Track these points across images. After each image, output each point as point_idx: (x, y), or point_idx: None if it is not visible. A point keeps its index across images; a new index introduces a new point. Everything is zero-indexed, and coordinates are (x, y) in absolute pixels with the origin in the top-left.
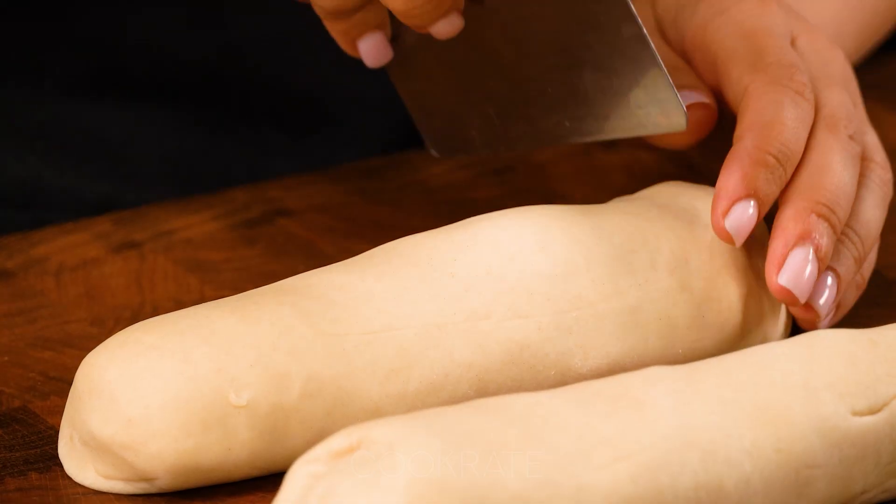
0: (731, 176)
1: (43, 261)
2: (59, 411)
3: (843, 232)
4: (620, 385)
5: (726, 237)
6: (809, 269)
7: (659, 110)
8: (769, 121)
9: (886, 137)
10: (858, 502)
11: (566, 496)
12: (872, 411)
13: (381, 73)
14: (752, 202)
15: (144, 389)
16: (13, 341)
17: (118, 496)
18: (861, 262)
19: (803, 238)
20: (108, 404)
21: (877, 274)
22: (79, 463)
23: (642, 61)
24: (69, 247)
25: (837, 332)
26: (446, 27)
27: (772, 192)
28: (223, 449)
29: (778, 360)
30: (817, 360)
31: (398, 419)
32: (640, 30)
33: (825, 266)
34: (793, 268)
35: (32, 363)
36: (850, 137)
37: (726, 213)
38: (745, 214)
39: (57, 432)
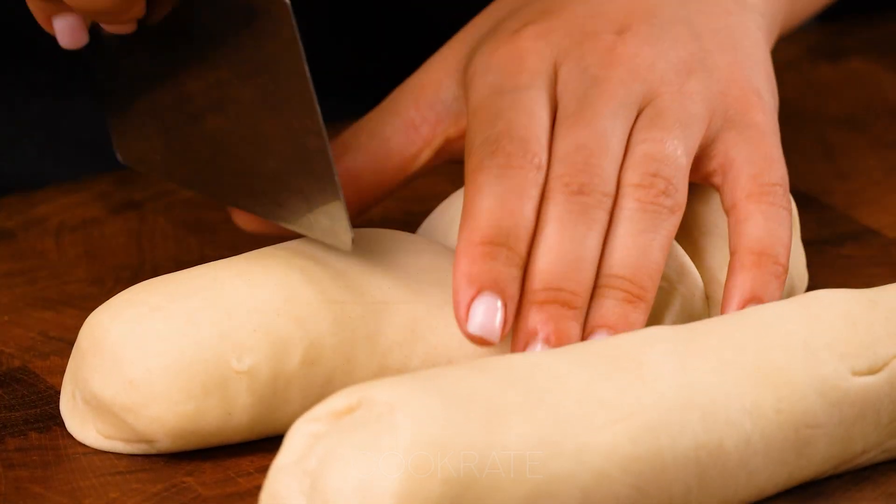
0: (457, 270)
1: (43, 221)
2: (59, 371)
3: (600, 284)
4: (621, 346)
5: (478, 340)
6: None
7: (328, 223)
8: (472, 210)
9: (885, 97)
10: (858, 462)
11: (566, 456)
12: (872, 371)
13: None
14: (496, 299)
15: (147, 352)
16: (13, 301)
17: (118, 455)
18: (640, 300)
19: (531, 336)
20: (110, 365)
21: (876, 234)
22: (80, 421)
23: (321, 176)
24: (69, 207)
25: (837, 292)
26: (119, 28)
27: (510, 279)
28: (223, 413)
29: (778, 320)
30: (817, 321)
31: (399, 379)
32: (325, 146)
33: (564, 337)
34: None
35: (32, 323)
36: (579, 191)
37: (467, 315)
38: (491, 310)
39: (57, 392)
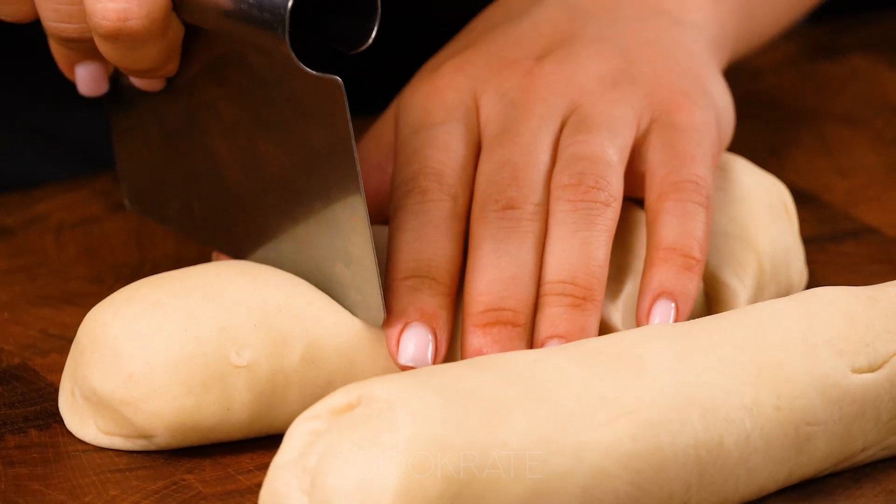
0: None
1: (43, 218)
2: (59, 368)
3: (542, 294)
4: (620, 343)
5: (403, 367)
6: None
7: (360, 297)
8: (393, 248)
9: (885, 95)
10: (858, 459)
11: (566, 453)
12: (872, 368)
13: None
14: (426, 329)
15: (147, 346)
16: (13, 299)
17: (118, 452)
18: (586, 301)
19: (477, 353)
20: (110, 360)
21: (876, 231)
22: (80, 418)
23: (358, 250)
24: (69, 204)
25: (837, 289)
26: (147, 84)
27: (437, 308)
28: (222, 409)
29: (777, 317)
30: (817, 318)
31: (398, 377)
32: (365, 218)
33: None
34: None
35: (32, 320)
36: (508, 206)
37: (398, 348)
38: (422, 341)
39: (56, 389)
